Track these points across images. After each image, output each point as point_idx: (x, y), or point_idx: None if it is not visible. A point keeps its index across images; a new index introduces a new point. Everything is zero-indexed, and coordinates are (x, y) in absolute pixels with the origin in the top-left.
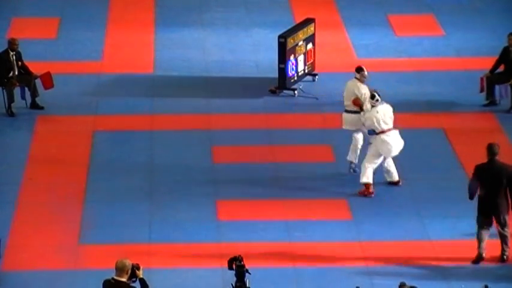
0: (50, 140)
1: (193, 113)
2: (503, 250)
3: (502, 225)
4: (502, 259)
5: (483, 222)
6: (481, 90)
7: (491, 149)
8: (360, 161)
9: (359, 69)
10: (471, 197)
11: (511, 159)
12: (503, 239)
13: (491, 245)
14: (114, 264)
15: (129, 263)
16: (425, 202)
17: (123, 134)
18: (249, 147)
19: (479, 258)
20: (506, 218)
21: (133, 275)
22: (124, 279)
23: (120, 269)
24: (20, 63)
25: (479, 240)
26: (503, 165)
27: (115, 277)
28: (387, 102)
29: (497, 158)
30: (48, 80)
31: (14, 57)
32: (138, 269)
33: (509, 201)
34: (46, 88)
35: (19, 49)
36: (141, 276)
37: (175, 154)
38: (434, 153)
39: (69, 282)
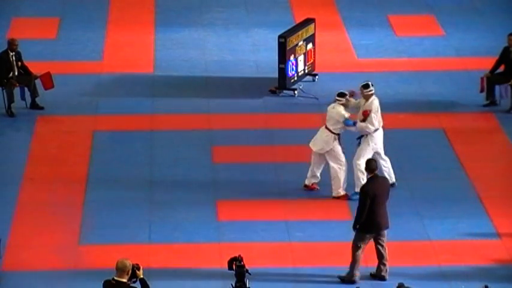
0: (50, 140)
1: (193, 113)
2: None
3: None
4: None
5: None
6: (481, 90)
7: (369, 166)
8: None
9: (342, 95)
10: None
11: (511, 159)
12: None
13: (491, 245)
14: (114, 264)
15: (129, 263)
16: (425, 202)
17: (123, 134)
18: (249, 147)
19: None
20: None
21: (133, 276)
22: (124, 280)
23: (120, 270)
24: (19, 63)
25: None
26: (384, 178)
27: (115, 277)
28: (387, 102)
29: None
30: (48, 80)
31: (14, 57)
32: (139, 269)
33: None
34: (46, 88)
35: (19, 49)
36: (142, 276)
37: (175, 154)
38: (434, 153)
39: (69, 282)
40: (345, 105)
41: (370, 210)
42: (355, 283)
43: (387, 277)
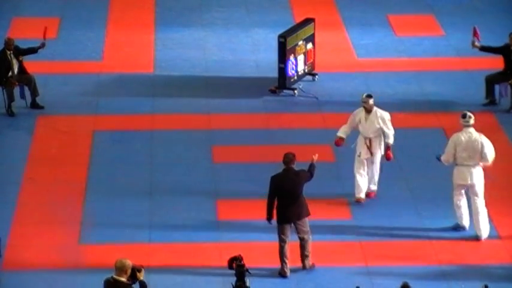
0: (50, 140)
1: (193, 113)
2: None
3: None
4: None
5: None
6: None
7: (285, 158)
8: None
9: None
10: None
11: (511, 159)
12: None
13: (491, 245)
14: (114, 264)
15: (129, 263)
16: (425, 202)
17: (123, 134)
18: (249, 147)
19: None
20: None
21: (133, 277)
22: (123, 279)
23: (119, 269)
24: (21, 58)
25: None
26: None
27: (114, 276)
28: (387, 102)
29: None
30: (45, 32)
31: (12, 56)
32: (140, 271)
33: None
34: (45, 35)
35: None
36: (142, 278)
37: (175, 154)
38: (434, 153)
39: (69, 282)
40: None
41: (278, 203)
42: (286, 276)
43: (307, 267)
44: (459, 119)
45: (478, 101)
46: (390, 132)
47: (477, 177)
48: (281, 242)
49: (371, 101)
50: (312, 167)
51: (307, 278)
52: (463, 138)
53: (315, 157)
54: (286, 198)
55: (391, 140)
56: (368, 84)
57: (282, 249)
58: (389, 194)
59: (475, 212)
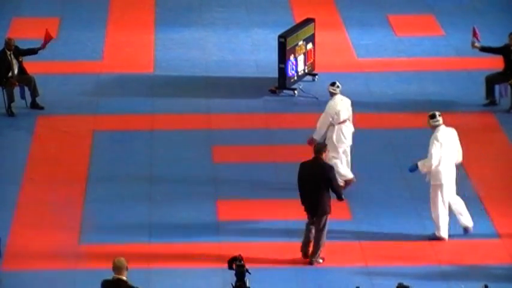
0: (50, 140)
1: (193, 113)
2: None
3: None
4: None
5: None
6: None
7: (315, 147)
8: None
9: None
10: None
11: (511, 158)
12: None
13: (491, 245)
14: (112, 264)
15: (126, 261)
16: (426, 202)
17: (123, 134)
18: (249, 147)
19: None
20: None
21: None
22: (124, 278)
23: (118, 268)
24: (20, 58)
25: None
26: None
27: (115, 276)
28: (387, 102)
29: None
30: (47, 35)
31: (12, 56)
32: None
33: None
34: (47, 40)
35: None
36: None
37: (175, 154)
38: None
39: (69, 282)
40: None
41: (300, 192)
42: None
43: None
44: (427, 120)
45: (478, 101)
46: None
47: (454, 174)
48: (306, 228)
49: (331, 89)
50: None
51: (307, 278)
52: (443, 136)
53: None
54: (307, 186)
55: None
56: (368, 84)
57: (304, 234)
58: (389, 194)
59: (459, 206)
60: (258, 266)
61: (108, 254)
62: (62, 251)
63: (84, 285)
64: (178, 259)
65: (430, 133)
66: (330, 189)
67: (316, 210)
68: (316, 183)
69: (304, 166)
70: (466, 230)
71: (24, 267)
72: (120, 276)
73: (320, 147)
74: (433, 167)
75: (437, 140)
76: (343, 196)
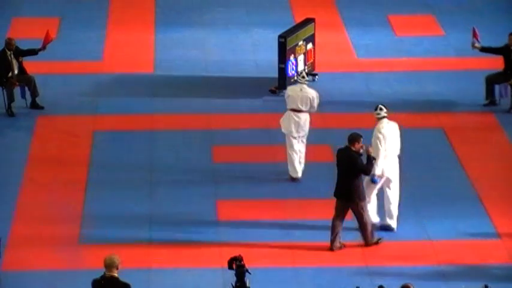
0: (50, 140)
1: (193, 113)
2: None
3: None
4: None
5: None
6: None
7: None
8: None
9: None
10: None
11: (511, 159)
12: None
13: (491, 245)
14: (103, 262)
15: (117, 258)
16: (425, 202)
17: (123, 134)
18: (249, 147)
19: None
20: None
21: None
22: (116, 275)
23: (109, 265)
24: (20, 58)
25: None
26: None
27: (107, 273)
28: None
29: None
30: (48, 36)
31: (12, 56)
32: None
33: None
34: (47, 42)
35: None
36: None
37: (175, 154)
38: (434, 153)
39: (69, 282)
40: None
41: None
42: (331, 248)
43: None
44: (373, 112)
45: (478, 101)
46: None
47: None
48: (334, 216)
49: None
50: (369, 159)
51: (307, 278)
52: (387, 129)
53: (370, 149)
54: (339, 173)
55: None
56: (368, 84)
57: (332, 223)
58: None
59: (392, 202)
60: (258, 266)
61: (108, 254)
62: (62, 251)
63: (84, 285)
64: (178, 259)
65: (430, 133)
66: (360, 175)
67: (345, 195)
68: (344, 171)
69: (337, 153)
70: (387, 228)
71: (24, 267)
72: (112, 274)
73: (353, 137)
74: (381, 157)
75: (380, 132)
76: (371, 172)
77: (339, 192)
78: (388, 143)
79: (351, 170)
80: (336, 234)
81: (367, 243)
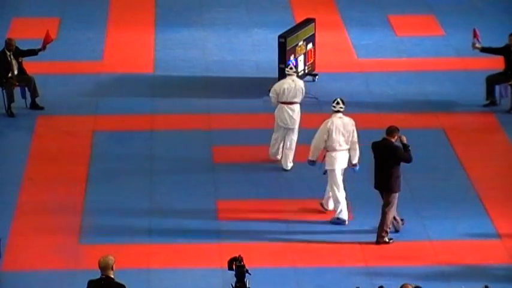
0: (50, 140)
1: (193, 113)
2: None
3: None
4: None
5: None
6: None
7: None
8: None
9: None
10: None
11: (511, 159)
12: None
13: (491, 245)
14: (98, 264)
15: (111, 259)
16: (425, 202)
17: (123, 134)
18: (249, 147)
19: None
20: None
21: None
22: (112, 275)
23: (104, 267)
24: (20, 59)
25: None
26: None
27: (103, 275)
28: (387, 102)
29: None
30: (48, 36)
31: (12, 57)
32: None
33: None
34: (47, 42)
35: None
36: None
37: (175, 154)
38: (434, 153)
39: (69, 282)
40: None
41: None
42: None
43: (399, 229)
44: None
45: (478, 101)
46: None
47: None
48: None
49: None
50: (405, 147)
51: (307, 278)
52: (339, 122)
53: (404, 138)
54: (376, 165)
55: None
56: (368, 84)
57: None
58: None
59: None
60: (258, 266)
61: (108, 254)
62: (62, 251)
63: (83, 285)
64: (178, 259)
65: (429, 133)
66: (399, 166)
67: (384, 185)
68: (385, 162)
69: (374, 146)
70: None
71: (24, 267)
72: (108, 275)
73: (392, 129)
74: (313, 146)
75: (326, 125)
76: (411, 160)
77: (380, 183)
78: (336, 136)
79: (392, 160)
80: (394, 218)
81: (378, 239)
